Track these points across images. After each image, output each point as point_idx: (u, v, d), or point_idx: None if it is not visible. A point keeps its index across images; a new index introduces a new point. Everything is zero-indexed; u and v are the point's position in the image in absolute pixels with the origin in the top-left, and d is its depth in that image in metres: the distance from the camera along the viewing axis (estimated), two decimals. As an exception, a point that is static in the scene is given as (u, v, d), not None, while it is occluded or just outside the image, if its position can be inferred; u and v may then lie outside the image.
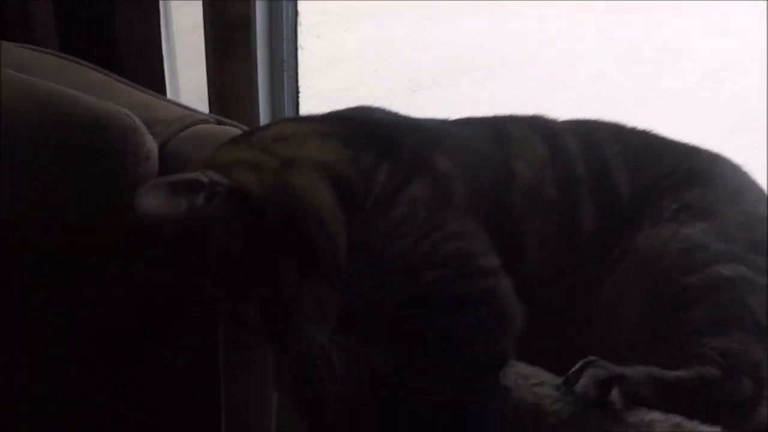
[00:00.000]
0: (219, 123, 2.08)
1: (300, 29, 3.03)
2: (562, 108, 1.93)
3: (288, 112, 3.09)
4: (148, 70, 2.89)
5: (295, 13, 3.02)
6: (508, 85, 3.52)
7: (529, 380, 1.49)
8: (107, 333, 1.94)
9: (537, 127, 1.80)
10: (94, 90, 2.04)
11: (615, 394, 1.41)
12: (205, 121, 2.05)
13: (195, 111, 2.09)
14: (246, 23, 2.90)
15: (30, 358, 2.01)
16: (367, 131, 1.65)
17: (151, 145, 1.88)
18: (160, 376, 1.96)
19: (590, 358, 1.45)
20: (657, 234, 1.67)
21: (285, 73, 3.05)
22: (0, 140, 1.86)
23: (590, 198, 1.70)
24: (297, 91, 3.15)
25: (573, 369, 1.45)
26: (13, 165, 1.89)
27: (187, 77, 3.16)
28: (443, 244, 1.51)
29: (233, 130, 2.03)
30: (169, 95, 2.86)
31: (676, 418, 1.44)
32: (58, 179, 1.87)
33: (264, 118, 3.00)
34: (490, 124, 1.80)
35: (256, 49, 2.92)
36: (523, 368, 1.51)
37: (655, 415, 1.45)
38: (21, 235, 1.89)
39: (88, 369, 1.98)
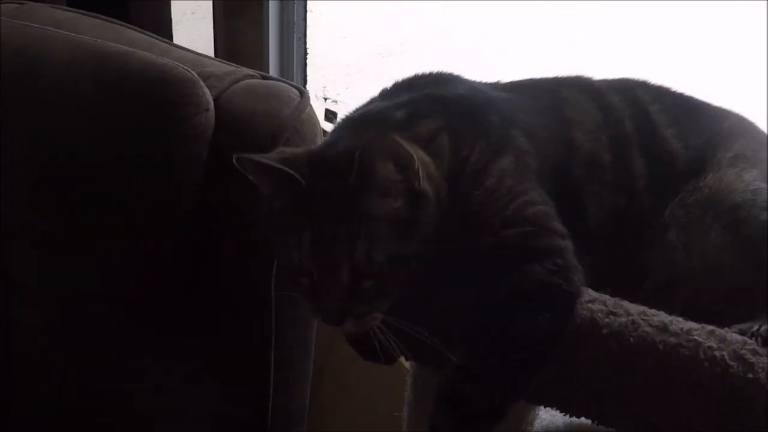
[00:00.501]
0: (263, 78, 2.13)
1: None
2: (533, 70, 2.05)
3: (296, 75, 3.16)
4: (156, 24, 2.88)
5: (305, -26, 3.09)
6: (477, 48, 3.59)
7: (583, 298, 1.64)
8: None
9: (586, 89, 1.95)
10: (137, 47, 2.08)
11: None
12: (252, 76, 2.10)
13: (239, 67, 2.13)
14: (257, -13, 2.95)
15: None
16: (464, 116, 1.76)
17: (209, 96, 1.94)
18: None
19: None
20: (722, 177, 1.85)
21: (294, 35, 3.12)
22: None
23: (640, 153, 1.87)
24: (305, 53, 3.22)
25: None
26: (74, 125, 1.96)
27: (185, 37, 3.19)
28: (527, 208, 1.65)
29: (281, 84, 2.09)
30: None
31: (709, 327, 1.61)
32: (124, 133, 1.93)
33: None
34: (547, 90, 1.94)
35: (268, 12, 2.97)
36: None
37: (692, 324, 1.61)
38: (94, 186, 1.97)
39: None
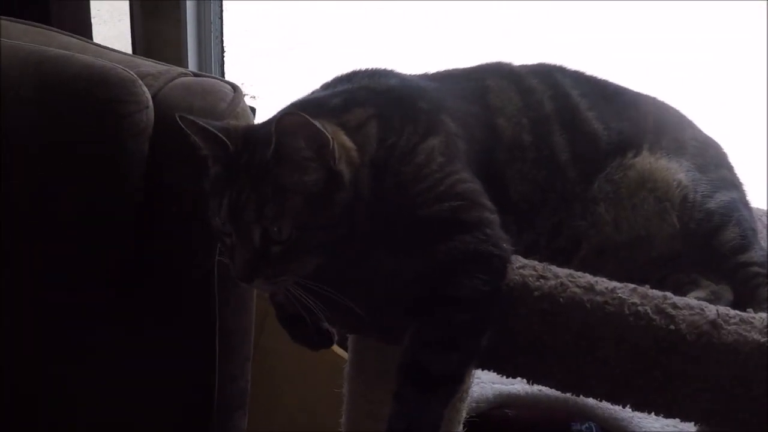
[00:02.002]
0: (195, 75, 2.23)
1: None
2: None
3: (215, 70, 3.23)
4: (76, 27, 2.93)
5: (221, -26, 3.17)
6: (385, 40, 3.67)
7: (514, 264, 1.79)
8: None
9: (507, 75, 2.11)
10: (71, 51, 2.15)
11: None
12: (186, 74, 2.20)
13: (171, 66, 2.22)
14: (175, -13, 3.02)
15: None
16: (394, 105, 1.89)
17: (148, 95, 2.03)
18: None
19: None
20: (657, 160, 2.08)
21: (212, 33, 3.20)
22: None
23: (561, 130, 2.04)
24: (222, 51, 3.30)
25: None
26: (17, 128, 2.03)
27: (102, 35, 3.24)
28: (458, 184, 1.79)
29: (215, 81, 2.20)
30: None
31: (632, 285, 1.77)
32: (69, 134, 2.01)
33: (192, 77, 3.13)
34: (472, 78, 2.10)
35: (185, 11, 3.04)
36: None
37: (616, 283, 1.77)
38: (44, 183, 2.04)
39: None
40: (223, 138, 1.72)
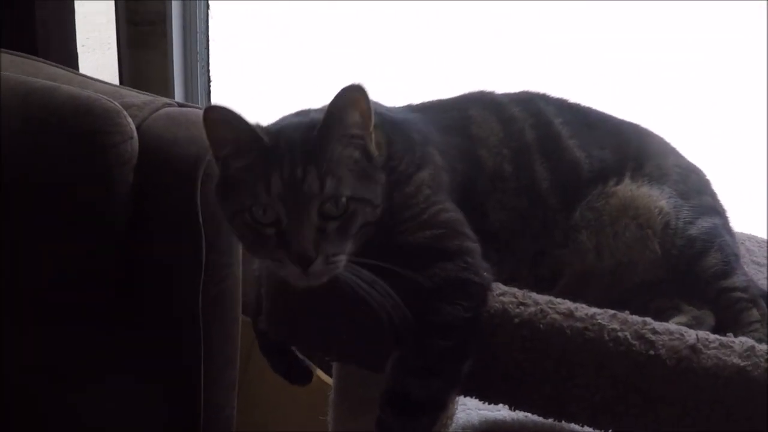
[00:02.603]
0: (180, 106, 2.26)
1: (210, 22, 3.20)
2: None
3: (201, 101, 3.26)
4: (62, 57, 2.95)
5: (207, 6, 3.20)
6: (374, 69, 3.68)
7: (495, 292, 1.80)
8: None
9: (489, 105, 2.14)
10: (58, 82, 2.18)
11: None
12: (170, 104, 2.23)
13: (155, 96, 2.24)
14: (162, 19, 3.05)
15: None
16: (394, 130, 1.92)
17: (133, 125, 2.06)
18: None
19: None
20: (639, 187, 2.10)
21: (198, 64, 3.22)
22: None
23: (542, 159, 2.07)
24: (209, 81, 3.32)
25: None
26: (5, 162, 2.04)
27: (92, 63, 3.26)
28: (441, 214, 1.82)
29: (197, 111, 2.21)
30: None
31: (611, 311, 1.78)
32: (56, 164, 2.03)
33: (179, 107, 3.16)
34: (454, 109, 2.12)
35: (172, 42, 3.07)
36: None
37: (596, 309, 1.79)
38: (35, 210, 2.06)
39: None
40: (258, 132, 1.72)
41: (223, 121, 1.73)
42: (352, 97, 1.70)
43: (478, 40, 3.09)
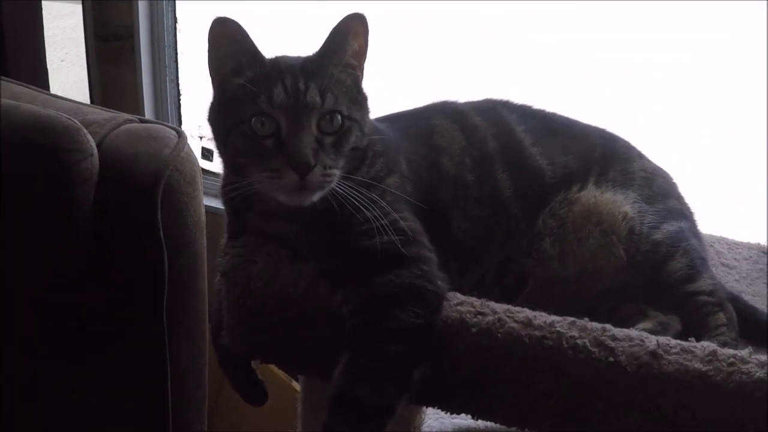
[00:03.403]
0: (141, 122, 2.25)
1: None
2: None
3: (172, 115, 3.26)
4: (33, 73, 2.95)
5: (174, 20, 3.20)
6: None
7: (452, 301, 1.80)
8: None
9: (452, 114, 2.15)
10: (21, 100, 2.17)
11: None
12: (131, 121, 2.22)
13: (118, 113, 2.23)
14: (130, 33, 3.05)
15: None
16: (374, 134, 1.94)
17: (93, 143, 2.04)
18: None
19: None
20: (603, 193, 2.10)
21: (167, 77, 3.22)
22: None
23: (504, 168, 2.07)
24: (179, 95, 3.32)
25: None
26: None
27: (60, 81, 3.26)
28: (400, 222, 1.81)
29: (159, 127, 2.22)
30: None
31: (570, 318, 1.78)
32: (16, 182, 2.01)
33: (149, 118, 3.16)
34: (419, 119, 2.14)
35: (140, 56, 3.07)
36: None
37: (555, 317, 1.78)
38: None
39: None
40: (260, 52, 1.80)
41: (230, 35, 1.78)
42: (354, 26, 1.79)
43: (470, 41, 3.08)
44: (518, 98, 2.25)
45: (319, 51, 1.81)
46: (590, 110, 2.37)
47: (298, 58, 1.83)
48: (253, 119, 1.73)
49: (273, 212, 1.84)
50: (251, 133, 1.74)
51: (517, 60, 3.01)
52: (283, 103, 1.72)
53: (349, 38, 1.80)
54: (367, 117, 1.86)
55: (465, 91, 2.26)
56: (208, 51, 1.80)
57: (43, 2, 3.14)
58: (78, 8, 3.31)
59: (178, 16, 3.21)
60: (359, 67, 1.84)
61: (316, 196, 1.74)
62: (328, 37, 1.79)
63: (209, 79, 1.83)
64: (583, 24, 2.87)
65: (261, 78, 1.76)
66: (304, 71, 1.77)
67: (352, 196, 1.73)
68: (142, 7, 3.09)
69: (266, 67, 1.78)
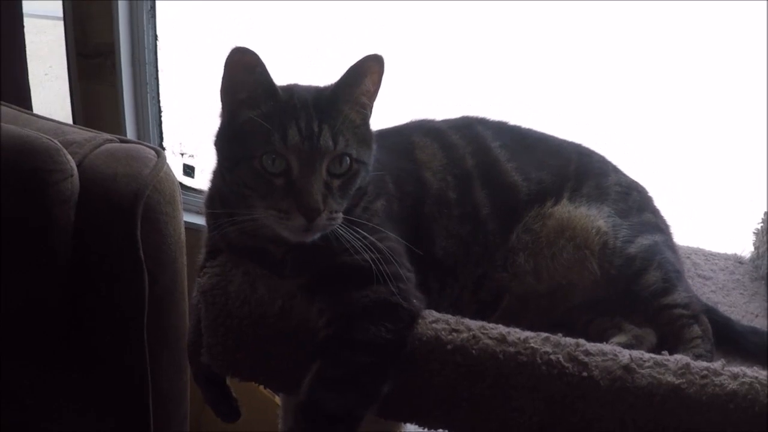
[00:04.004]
0: (122, 141, 2.26)
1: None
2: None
3: (153, 132, 3.28)
4: (15, 90, 2.97)
5: (155, 37, 3.22)
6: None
7: (427, 319, 1.83)
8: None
9: (430, 132, 2.18)
10: (2, 120, 2.18)
11: None
12: (111, 141, 2.23)
13: (98, 132, 2.25)
14: (111, 51, 3.07)
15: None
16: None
17: (73, 163, 2.05)
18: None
19: None
20: (577, 207, 2.12)
21: (148, 95, 3.24)
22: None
23: (482, 185, 2.09)
24: (159, 112, 3.34)
25: None
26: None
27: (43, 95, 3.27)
28: (383, 241, 1.84)
29: (139, 147, 2.23)
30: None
31: (544, 334, 1.81)
32: None
33: (130, 137, 3.19)
34: (399, 135, 2.16)
35: (121, 74, 3.09)
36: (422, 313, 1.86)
37: (529, 333, 1.81)
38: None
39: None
40: (275, 85, 1.81)
41: (248, 65, 1.79)
42: (371, 66, 1.81)
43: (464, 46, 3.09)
44: (497, 111, 2.29)
45: (333, 87, 1.83)
46: (568, 123, 2.38)
47: (311, 89, 1.85)
48: (264, 156, 1.75)
49: (262, 235, 1.85)
50: (261, 169, 1.75)
51: (495, 70, 3.02)
52: (297, 145, 1.74)
53: (365, 78, 1.82)
54: (372, 155, 1.88)
55: (445, 106, 2.27)
56: (223, 77, 1.81)
57: (25, 18, 3.15)
58: (60, 23, 3.32)
59: (158, 33, 3.21)
60: (370, 106, 1.86)
61: (317, 235, 1.77)
62: (345, 75, 1.81)
63: (219, 104, 1.86)
64: (580, 24, 2.87)
65: (275, 113, 1.77)
66: (318, 109, 1.78)
67: (347, 234, 1.77)
68: (123, 25, 3.10)
69: (281, 101, 1.79)
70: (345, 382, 1.70)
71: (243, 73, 1.78)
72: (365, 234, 1.78)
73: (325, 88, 1.83)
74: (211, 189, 1.96)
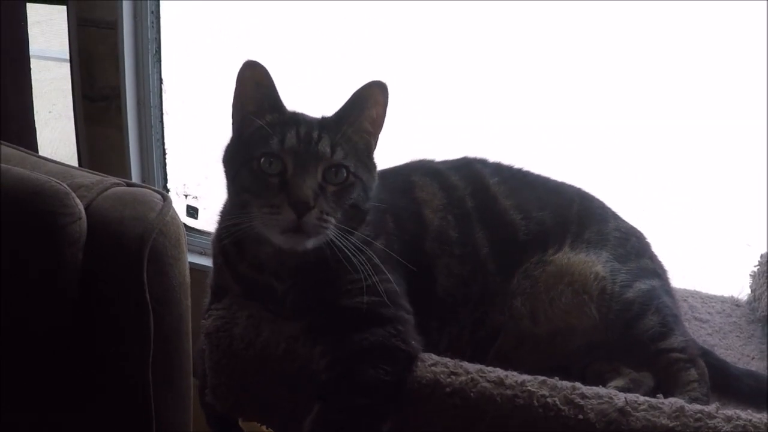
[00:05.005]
0: (128, 185, 2.30)
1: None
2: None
3: (157, 173, 3.31)
4: (21, 132, 3.01)
5: (160, 81, 3.26)
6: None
7: (426, 362, 1.86)
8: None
9: (430, 172, 2.22)
10: (10, 163, 2.22)
11: None
12: (118, 184, 2.27)
13: (105, 176, 2.29)
14: (116, 94, 3.11)
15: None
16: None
17: (81, 206, 2.09)
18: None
19: None
20: (577, 254, 2.15)
21: (153, 137, 3.28)
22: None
23: (481, 226, 2.13)
24: (164, 153, 3.38)
25: None
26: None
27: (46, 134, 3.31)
28: (383, 284, 1.87)
29: (145, 191, 2.26)
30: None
31: (541, 378, 1.83)
32: (5, 246, 2.04)
33: (135, 178, 3.23)
34: (398, 175, 2.20)
35: (127, 117, 3.13)
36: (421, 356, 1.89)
37: (526, 377, 1.84)
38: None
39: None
40: (281, 100, 1.90)
41: (257, 78, 1.88)
42: (374, 93, 1.88)
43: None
44: (493, 153, 2.33)
45: (337, 112, 1.90)
46: (565, 166, 2.42)
47: (316, 116, 1.92)
48: (262, 158, 1.81)
49: (265, 263, 1.90)
50: (259, 170, 1.81)
51: (490, 112, 3.05)
52: (294, 147, 1.81)
53: (368, 104, 1.88)
54: (374, 183, 1.93)
55: (443, 147, 2.34)
56: (235, 91, 1.89)
57: (31, 60, 3.19)
58: (63, 64, 3.36)
59: (163, 77, 3.25)
60: (374, 135, 1.93)
61: (310, 243, 1.81)
62: (349, 100, 1.88)
63: (230, 121, 1.94)
64: (580, 24, 2.89)
65: (278, 123, 1.85)
66: (321, 125, 1.86)
67: (348, 249, 1.80)
68: (129, 68, 3.14)
69: (285, 115, 1.88)
70: (345, 424, 1.73)
71: (252, 87, 1.87)
72: (368, 273, 1.82)
73: (331, 115, 1.90)
74: (218, 229, 2.01)
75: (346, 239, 1.79)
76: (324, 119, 1.89)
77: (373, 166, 1.93)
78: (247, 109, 1.87)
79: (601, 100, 2.88)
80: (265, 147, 1.80)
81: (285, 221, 1.76)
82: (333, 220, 1.79)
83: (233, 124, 1.91)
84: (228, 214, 1.93)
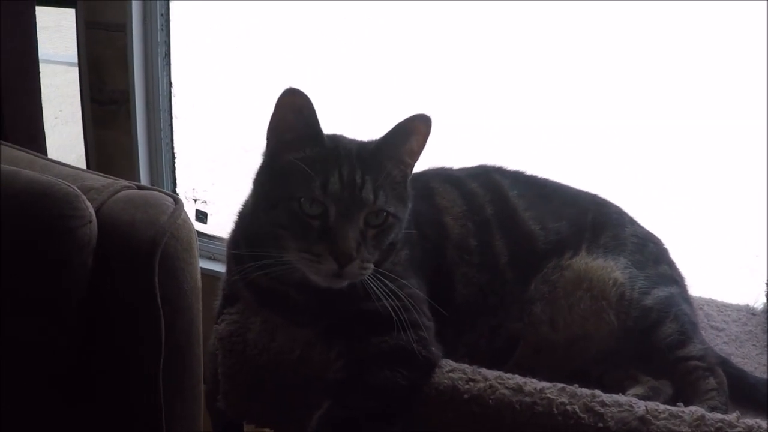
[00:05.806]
0: (139, 188, 2.26)
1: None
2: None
3: (166, 178, 3.29)
4: (30, 135, 2.99)
5: (170, 84, 3.24)
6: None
7: (444, 368, 1.85)
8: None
9: (449, 179, 2.20)
10: (19, 165, 2.18)
11: None
12: (129, 187, 2.23)
13: (116, 179, 2.26)
14: (126, 98, 3.09)
15: None
16: None
17: (92, 209, 2.05)
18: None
19: None
20: (595, 259, 2.13)
21: (162, 141, 3.26)
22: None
23: (501, 234, 2.11)
24: (173, 158, 3.36)
25: None
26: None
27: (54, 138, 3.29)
28: (405, 289, 1.86)
29: (156, 194, 2.23)
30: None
31: (560, 385, 1.81)
32: (15, 248, 2.01)
33: (144, 183, 3.20)
34: (419, 181, 2.13)
35: (136, 120, 3.11)
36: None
37: (545, 384, 1.82)
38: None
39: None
40: (322, 131, 1.84)
41: (298, 107, 1.82)
42: (418, 126, 1.84)
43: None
44: (509, 160, 2.32)
45: (378, 142, 1.86)
46: (583, 174, 2.40)
47: (355, 141, 1.88)
48: (302, 199, 1.77)
49: (286, 278, 1.86)
50: (299, 211, 1.77)
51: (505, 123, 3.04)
52: (337, 193, 1.77)
53: (411, 137, 1.85)
54: (407, 213, 1.90)
55: (457, 154, 2.31)
56: (272, 116, 1.83)
57: (40, 64, 3.18)
58: (71, 68, 3.34)
59: (173, 80, 3.23)
60: (411, 165, 1.89)
61: (346, 283, 1.79)
62: (391, 131, 1.84)
63: (264, 143, 1.89)
64: (579, 24, 2.89)
65: (318, 159, 1.80)
66: (361, 161, 1.81)
67: (375, 286, 1.78)
68: (138, 72, 3.12)
69: (325, 147, 1.82)
70: (351, 423, 1.71)
71: (291, 115, 1.81)
72: (387, 282, 1.79)
73: (369, 142, 1.86)
74: (235, 231, 1.99)
75: (376, 277, 1.79)
76: (364, 150, 1.85)
77: (409, 196, 1.90)
78: (285, 138, 1.82)
79: (614, 107, 2.88)
80: (306, 190, 1.76)
81: (326, 270, 1.74)
82: (372, 265, 1.79)
83: (267, 146, 1.87)
84: (249, 237, 1.91)
